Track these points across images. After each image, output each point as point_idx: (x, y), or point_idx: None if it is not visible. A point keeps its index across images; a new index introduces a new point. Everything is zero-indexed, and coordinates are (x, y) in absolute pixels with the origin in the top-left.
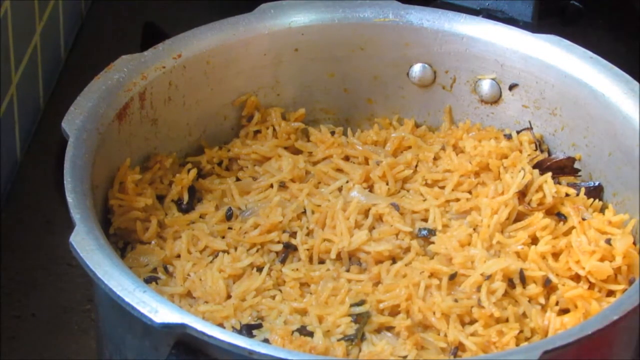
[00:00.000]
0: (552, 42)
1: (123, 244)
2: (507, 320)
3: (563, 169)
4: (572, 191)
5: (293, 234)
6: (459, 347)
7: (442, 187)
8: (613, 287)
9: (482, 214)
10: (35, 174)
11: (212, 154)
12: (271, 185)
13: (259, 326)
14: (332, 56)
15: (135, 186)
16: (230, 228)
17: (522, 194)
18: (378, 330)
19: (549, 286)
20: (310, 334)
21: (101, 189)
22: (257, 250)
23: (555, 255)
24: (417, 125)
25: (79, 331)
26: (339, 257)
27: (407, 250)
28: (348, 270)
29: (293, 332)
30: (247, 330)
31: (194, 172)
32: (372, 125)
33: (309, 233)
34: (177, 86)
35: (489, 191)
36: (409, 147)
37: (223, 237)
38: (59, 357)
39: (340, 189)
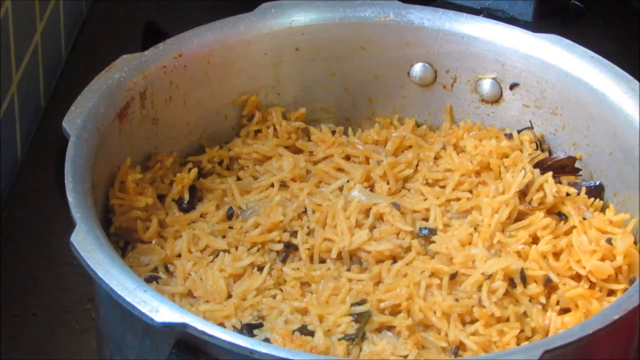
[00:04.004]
0: (553, 42)
1: (124, 243)
2: (507, 320)
3: (564, 168)
4: (572, 190)
5: (294, 234)
6: (460, 347)
7: (443, 187)
8: (614, 286)
9: (482, 213)
10: (36, 173)
11: (213, 154)
12: (272, 185)
13: (259, 325)
14: (332, 55)
15: (136, 185)
16: (231, 227)
17: (522, 194)
18: (379, 330)
19: (549, 285)
20: (311, 334)
21: (102, 189)
22: (258, 250)
23: (556, 255)
24: (417, 125)
25: (79, 331)
26: (339, 256)
27: (408, 249)
28: (349, 270)
29: (294, 331)
30: (248, 329)
31: (194, 171)
32: (372, 125)
33: (310, 232)
34: (177, 86)
35: (490, 190)
36: (410, 147)
37: (224, 237)
38: (59, 356)
39: (341, 189)
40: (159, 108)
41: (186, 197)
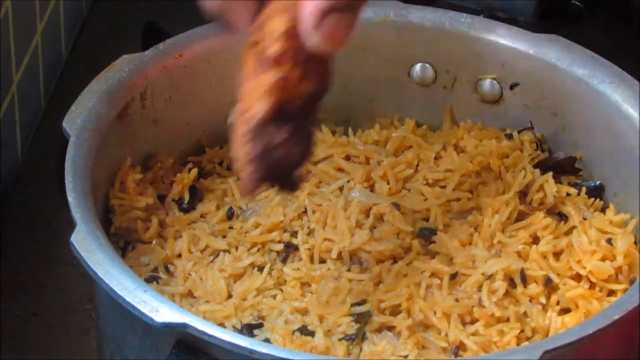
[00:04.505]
0: (553, 42)
1: (124, 243)
2: (508, 320)
3: (564, 168)
4: (573, 191)
5: (294, 234)
6: (460, 347)
7: (443, 187)
8: (614, 286)
9: (483, 213)
10: (36, 174)
11: (213, 154)
12: None
13: (259, 326)
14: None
15: (136, 186)
16: (231, 227)
17: (523, 194)
18: (379, 330)
19: (549, 286)
20: (311, 334)
21: (102, 189)
22: (258, 250)
23: (556, 255)
24: (418, 125)
25: (79, 331)
26: (339, 256)
27: (408, 249)
28: (349, 270)
29: (294, 331)
30: (248, 329)
31: (194, 171)
32: (373, 125)
33: (310, 232)
34: (177, 86)
35: (490, 191)
36: (410, 147)
37: (224, 237)
38: (59, 357)
39: (341, 189)
40: (159, 108)
41: (186, 197)
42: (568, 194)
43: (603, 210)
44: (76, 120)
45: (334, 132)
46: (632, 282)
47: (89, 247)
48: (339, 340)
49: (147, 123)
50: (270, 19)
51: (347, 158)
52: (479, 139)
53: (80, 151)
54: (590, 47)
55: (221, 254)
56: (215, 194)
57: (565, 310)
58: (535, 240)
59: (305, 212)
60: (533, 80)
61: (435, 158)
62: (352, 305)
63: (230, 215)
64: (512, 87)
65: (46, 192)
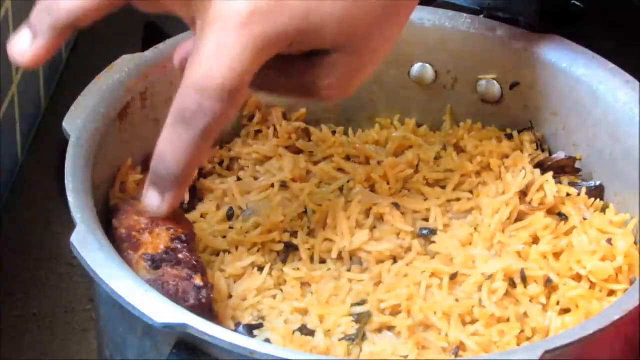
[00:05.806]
0: (553, 42)
1: None
2: (508, 320)
3: (564, 168)
4: (573, 191)
5: (294, 234)
6: (460, 347)
7: (443, 187)
8: (614, 286)
9: (483, 213)
10: (37, 174)
11: (213, 154)
12: (272, 185)
13: (260, 326)
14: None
15: (137, 186)
16: (231, 228)
17: (523, 194)
18: (379, 330)
19: (550, 286)
20: (312, 334)
21: (102, 189)
22: (258, 250)
23: (557, 255)
24: (418, 125)
25: (80, 331)
26: (340, 256)
27: (408, 250)
28: (349, 270)
29: (294, 331)
30: (248, 330)
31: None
32: (373, 125)
33: (310, 233)
34: (178, 86)
35: (490, 191)
36: (410, 147)
37: (224, 237)
38: (59, 357)
39: (341, 189)
40: (159, 108)
41: (186, 197)
42: (568, 194)
43: (603, 210)
44: (76, 121)
45: (334, 132)
46: (632, 282)
47: (89, 247)
48: (339, 340)
49: (147, 123)
50: None
51: (347, 158)
52: (479, 139)
53: (80, 151)
54: (590, 47)
55: (221, 254)
56: (215, 194)
57: (565, 311)
58: (536, 240)
59: (306, 212)
60: (533, 80)
61: (435, 158)
62: (352, 305)
63: (230, 216)
64: (512, 87)
65: (46, 192)
